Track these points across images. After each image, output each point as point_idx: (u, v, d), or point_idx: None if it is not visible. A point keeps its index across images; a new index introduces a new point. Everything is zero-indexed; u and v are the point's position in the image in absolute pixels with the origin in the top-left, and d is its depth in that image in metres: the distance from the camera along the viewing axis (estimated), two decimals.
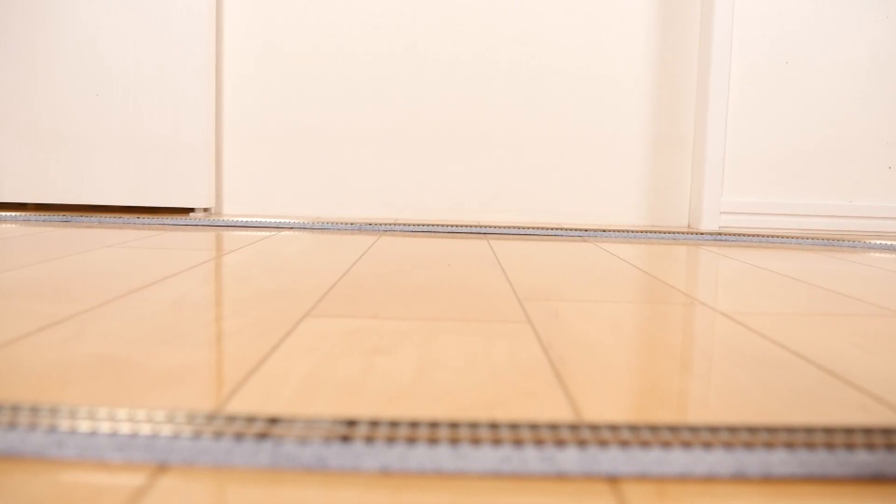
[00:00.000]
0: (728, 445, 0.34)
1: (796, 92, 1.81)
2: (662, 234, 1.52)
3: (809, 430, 0.36)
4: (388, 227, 1.54)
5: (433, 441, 0.34)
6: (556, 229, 1.55)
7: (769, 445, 0.34)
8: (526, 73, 1.84)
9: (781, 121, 1.81)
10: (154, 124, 1.72)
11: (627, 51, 1.84)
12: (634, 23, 1.84)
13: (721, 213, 1.80)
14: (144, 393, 0.42)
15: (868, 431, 0.36)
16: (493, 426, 0.35)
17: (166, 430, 0.34)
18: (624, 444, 0.34)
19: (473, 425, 0.35)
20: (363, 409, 0.40)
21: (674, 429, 0.35)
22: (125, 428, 0.34)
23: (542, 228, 1.55)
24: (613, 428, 0.35)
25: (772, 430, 0.35)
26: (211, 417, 0.35)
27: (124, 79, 1.72)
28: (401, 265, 0.99)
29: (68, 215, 1.55)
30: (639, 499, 0.31)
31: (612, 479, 0.33)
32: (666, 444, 0.34)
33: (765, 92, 1.81)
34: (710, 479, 0.33)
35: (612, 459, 0.33)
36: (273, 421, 0.35)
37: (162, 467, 0.33)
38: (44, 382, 0.44)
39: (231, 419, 0.35)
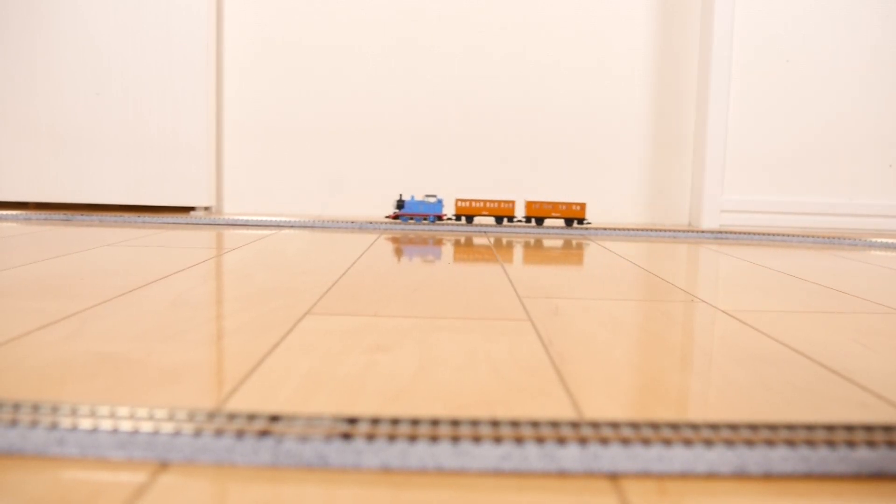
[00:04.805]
0: (729, 443, 0.34)
1: (797, 90, 1.81)
2: (663, 233, 1.52)
3: (810, 428, 0.35)
4: (389, 225, 1.54)
5: (434, 439, 0.33)
6: (557, 227, 1.54)
7: (770, 443, 0.34)
8: (527, 71, 1.84)
9: (782, 119, 1.81)
10: (154, 123, 1.72)
11: (628, 48, 1.84)
12: (635, 21, 1.83)
13: (721, 211, 1.79)
14: (145, 391, 0.42)
15: (869, 429, 0.36)
16: (494, 424, 0.35)
17: (167, 427, 0.34)
18: (625, 441, 0.34)
19: (474, 423, 0.35)
20: (364, 407, 0.40)
21: (675, 426, 0.35)
22: (126, 425, 0.34)
23: (543, 226, 1.55)
24: (614, 425, 0.35)
25: (773, 427, 0.35)
26: (212, 415, 0.35)
27: (124, 78, 1.71)
28: (401, 263, 0.99)
29: (69, 214, 1.55)
30: (640, 496, 0.31)
31: (614, 477, 0.33)
32: (667, 442, 0.34)
33: (765, 90, 1.80)
34: (711, 476, 0.33)
35: (614, 457, 0.33)
36: (274, 419, 0.35)
37: (163, 465, 0.33)
38: (44, 380, 0.44)
39: (232, 417, 0.35)
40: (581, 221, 1.58)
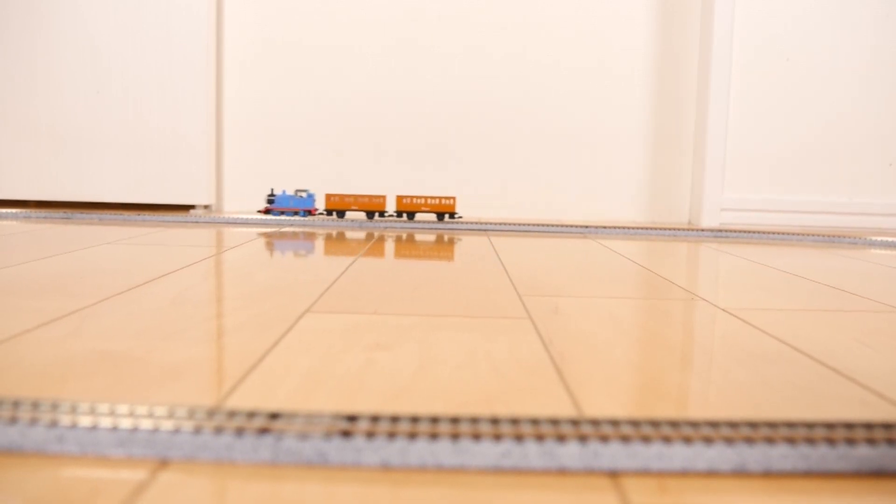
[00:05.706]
0: (729, 440, 0.34)
1: (797, 89, 1.81)
2: (663, 231, 1.52)
3: (810, 425, 0.35)
4: (389, 224, 1.54)
5: (434, 436, 0.33)
6: (557, 226, 1.54)
7: (770, 440, 0.34)
8: (527, 71, 1.84)
9: (782, 118, 1.81)
10: (154, 122, 1.72)
11: (628, 48, 1.84)
12: (635, 21, 1.83)
13: (722, 209, 1.79)
14: (145, 388, 0.42)
15: (869, 426, 0.35)
16: (494, 421, 0.35)
17: (167, 425, 0.34)
18: (625, 439, 0.34)
19: (474, 420, 0.35)
20: (364, 405, 0.40)
21: (675, 424, 0.35)
22: (126, 423, 0.34)
23: (543, 225, 1.55)
24: (614, 423, 0.35)
25: (773, 425, 0.35)
26: (212, 413, 0.35)
27: (124, 77, 1.71)
28: (401, 261, 1.00)
29: (69, 212, 1.55)
30: (640, 494, 0.31)
31: (613, 474, 0.33)
32: (667, 439, 0.34)
33: (765, 90, 1.80)
34: (710, 473, 0.33)
35: (613, 454, 0.33)
36: (274, 416, 0.35)
37: (163, 462, 0.33)
38: (45, 378, 0.44)
39: (232, 414, 0.35)
40: (452, 216, 1.61)
